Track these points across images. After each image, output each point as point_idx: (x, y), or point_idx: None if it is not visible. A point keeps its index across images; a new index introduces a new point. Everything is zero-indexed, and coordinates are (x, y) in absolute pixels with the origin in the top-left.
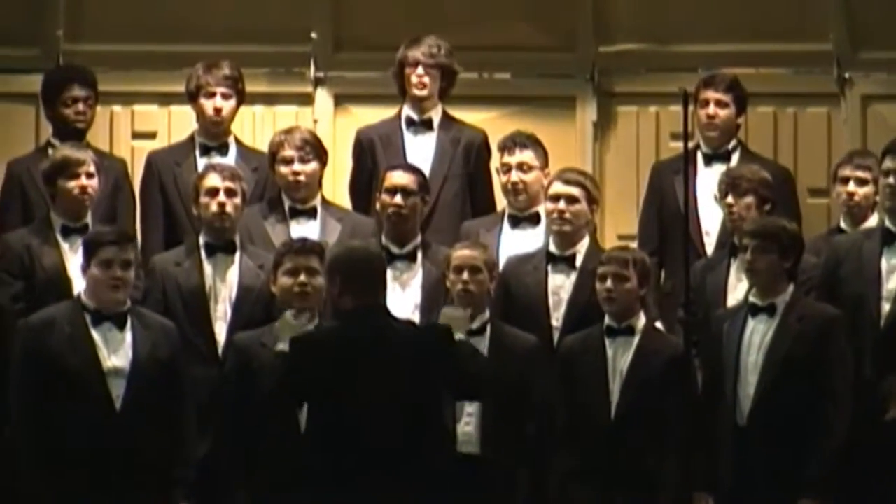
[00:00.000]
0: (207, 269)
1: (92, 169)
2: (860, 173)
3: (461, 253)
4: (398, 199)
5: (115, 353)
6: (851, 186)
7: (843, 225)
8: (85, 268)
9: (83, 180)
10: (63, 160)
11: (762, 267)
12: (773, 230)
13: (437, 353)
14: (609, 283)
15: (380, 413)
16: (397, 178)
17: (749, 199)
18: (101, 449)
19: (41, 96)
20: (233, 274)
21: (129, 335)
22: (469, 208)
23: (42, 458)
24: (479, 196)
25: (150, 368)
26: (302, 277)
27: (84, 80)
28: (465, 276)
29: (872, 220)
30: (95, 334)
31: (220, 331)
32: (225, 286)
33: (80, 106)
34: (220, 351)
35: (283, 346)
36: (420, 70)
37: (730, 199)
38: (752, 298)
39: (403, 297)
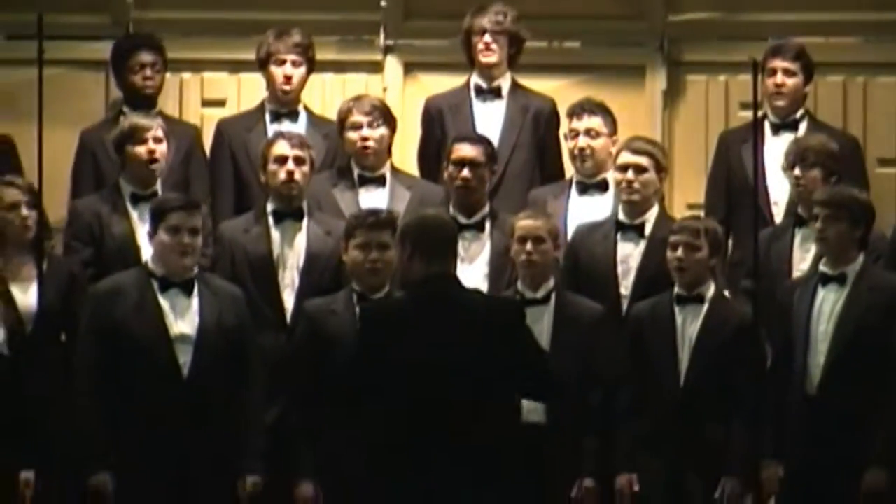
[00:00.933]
0: (275, 235)
1: (160, 134)
2: None
3: (524, 223)
4: (465, 171)
5: (183, 319)
6: None
7: None
8: (152, 234)
9: (151, 144)
10: (131, 127)
11: (833, 236)
12: (845, 199)
13: (507, 329)
14: (680, 251)
15: (448, 381)
16: (465, 150)
17: (816, 171)
18: (168, 415)
19: (111, 65)
20: (300, 241)
21: (196, 302)
22: (538, 177)
23: (109, 425)
24: (548, 164)
25: (218, 335)
26: (374, 254)
27: (151, 46)
28: (529, 246)
29: None
30: (163, 301)
31: (288, 298)
32: (293, 253)
33: (148, 71)
34: (288, 318)
35: None
36: (487, 38)
37: (797, 171)
38: (822, 267)
39: (472, 267)
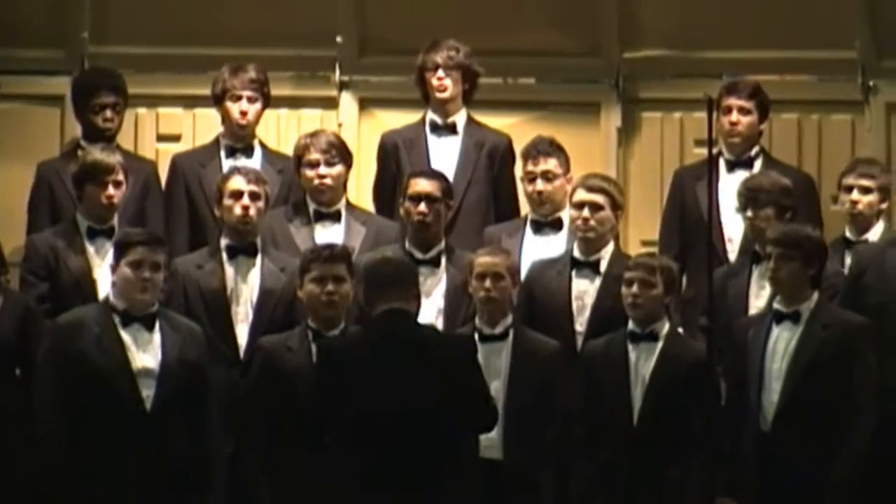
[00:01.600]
0: (229, 271)
1: (120, 177)
2: (864, 182)
3: (483, 259)
4: (422, 206)
5: (145, 353)
6: (855, 195)
7: (847, 234)
8: (115, 268)
9: (110, 190)
10: (92, 165)
11: (785, 275)
12: (796, 238)
13: (462, 366)
14: (635, 288)
15: (404, 417)
16: (421, 185)
17: (769, 210)
18: (131, 449)
19: (72, 101)
20: (254, 276)
21: (157, 336)
22: (492, 213)
23: (69, 459)
24: (502, 200)
25: (180, 369)
26: (329, 286)
27: (113, 87)
28: (488, 283)
29: (877, 229)
30: (125, 335)
31: (242, 333)
32: (247, 288)
33: (108, 112)
34: (241, 353)
35: None
36: (440, 73)
37: (749, 212)
38: (776, 305)
39: (427, 302)
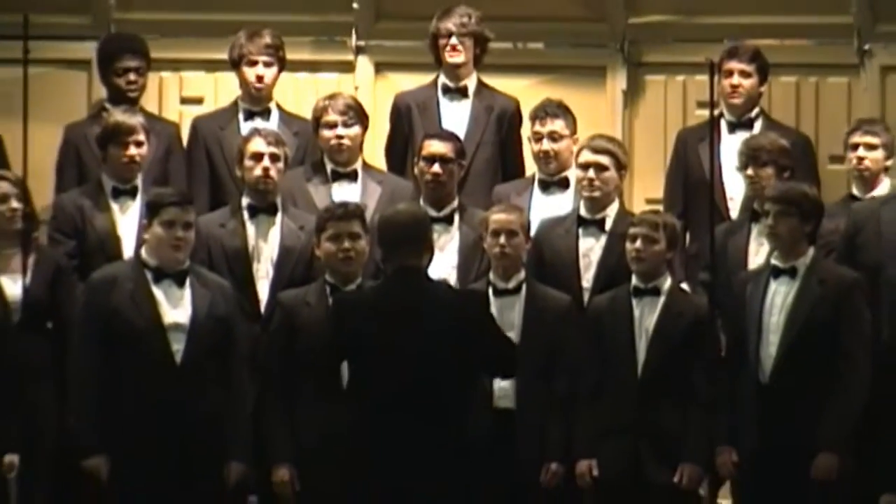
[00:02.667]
0: (250, 229)
1: (141, 137)
2: (869, 138)
3: (498, 217)
4: (436, 167)
5: (176, 309)
6: (861, 152)
7: (854, 191)
8: (146, 227)
9: (132, 150)
10: (114, 126)
11: (783, 231)
12: (794, 195)
13: (473, 321)
14: (639, 243)
15: (416, 370)
16: (435, 146)
17: (769, 169)
18: (162, 401)
19: (97, 65)
20: (274, 234)
21: (188, 292)
22: (500, 173)
23: (103, 409)
24: (510, 161)
25: (209, 324)
26: (346, 243)
27: (136, 50)
28: (503, 239)
29: (884, 185)
30: (157, 291)
31: (263, 289)
32: (267, 246)
33: (132, 75)
34: (262, 308)
35: None
36: (453, 39)
37: (750, 170)
38: (773, 261)
39: (441, 259)
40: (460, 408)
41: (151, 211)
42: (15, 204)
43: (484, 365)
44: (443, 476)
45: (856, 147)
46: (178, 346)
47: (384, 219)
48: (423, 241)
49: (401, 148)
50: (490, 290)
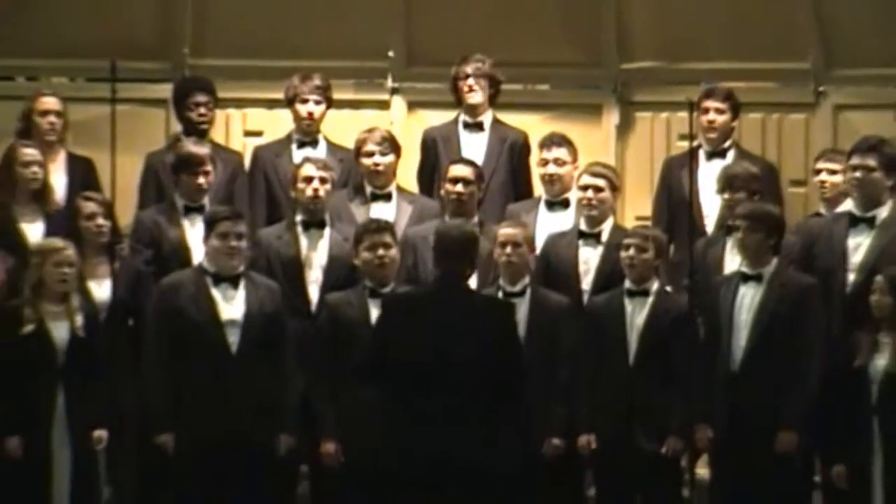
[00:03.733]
0: (303, 241)
1: (208, 167)
2: (831, 165)
3: (505, 231)
4: (459, 187)
5: (231, 307)
6: (824, 176)
7: (821, 209)
8: (206, 239)
9: (200, 179)
10: (186, 157)
11: (752, 243)
12: (761, 214)
13: (500, 329)
14: (632, 252)
15: (451, 362)
16: (459, 170)
17: (741, 193)
18: (220, 386)
19: (172, 102)
20: (323, 245)
21: (242, 293)
22: (513, 194)
23: (171, 393)
24: (521, 184)
25: (259, 320)
26: (380, 251)
27: (205, 89)
28: (509, 249)
29: (846, 204)
30: (215, 292)
31: (314, 292)
32: (317, 255)
33: (202, 109)
34: (312, 308)
35: None
36: (470, 81)
37: (726, 194)
38: (743, 268)
39: None
40: (485, 394)
41: (208, 225)
42: (101, 221)
43: (494, 372)
44: (476, 455)
45: (819, 172)
46: (233, 338)
47: (440, 230)
48: (469, 255)
49: (429, 174)
50: (500, 293)
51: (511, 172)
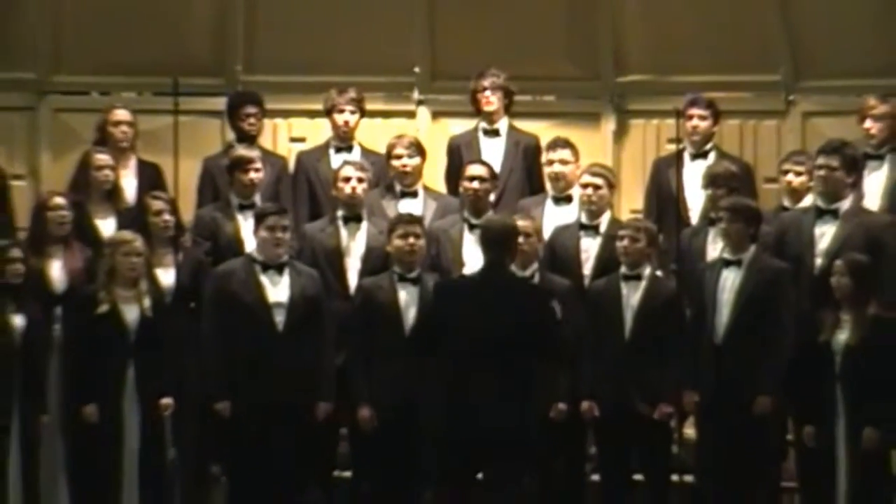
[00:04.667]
0: (343, 233)
1: (259, 165)
2: (796, 167)
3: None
4: (475, 184)
5: (277, 291)
6: (790, 176)
7: (785, 203)
8: (255, 231)
9: (251, 175)
10: (238, 158)
11: (733, 232)
12: (741, 206)
13: (538, 307)
14: (626, 242)
15: (494, 339)
16: (475, 169)
17: (723, 189)
18: (269, 360)
19: (226, 113)
20: (361, 237)
21: (286, 279)
22: (528, 191)
23: (227, 367)
24: (534, 182)
25: (302, 302)
26: (410, 240)
27: (254, 101)
28: (521, 239)
29: (807, 199)
30: (263, 278)
31: (352, 277)
32: (355, 245)
33: (252, 119)
34: (351, 292)
35: None
36: (487, 93)
37: (710, 191)
38: (725, 255)
39: (477, 254)
40: (523, 367)
41: (258, 219)
42: (167, 217)
43: (537, 348)
44: (512, 418)
45: (787, 172)
46: (279, 318)
47: (485, 223)
48: (510, 244)
49: (455, 175)
50: None
51: (526, 172)
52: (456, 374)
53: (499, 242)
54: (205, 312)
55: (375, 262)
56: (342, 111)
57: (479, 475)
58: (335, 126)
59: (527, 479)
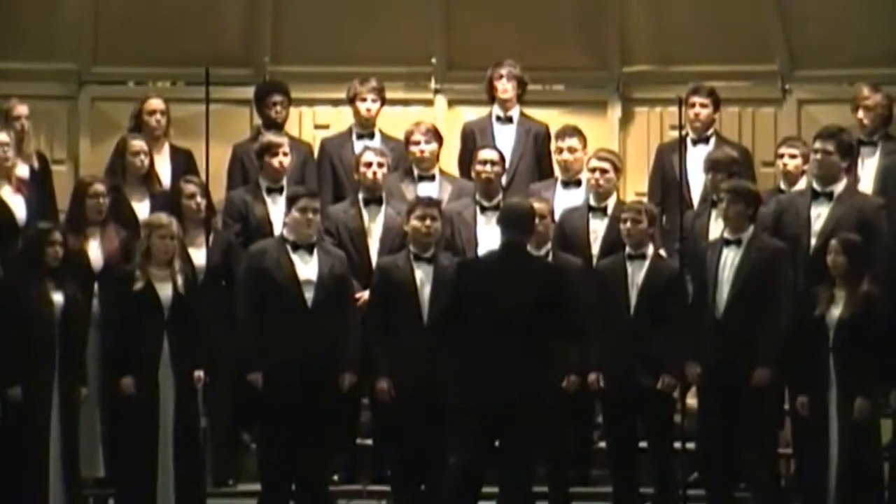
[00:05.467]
0: (365, 215)
1: (287, 149)
2: (791, 150)
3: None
4: (487, 168)
5: (307, 269)
6: (786, 160)
7: (781, 185)
8: (287, 213)
9: (280, 157)
10: (268, 143)
11: (733, 213)
12: (741, 188)
13: (554, 285)
14: (629, 224)
15: (513, 314)
16: (486, 154)
17: (723, 174)
18: (299, 333)
19: (254, 101)
20: (381, 218)
21: (315, 258)
22: (537, 175)
23: (259, 340)
24: (544, 168)
25: (330, 280)
26: (427, 222)
27: (280, 90)
28: (536, 220)
29: (802, 182)
30: (294, 257)
31: (374, 255)
32: (376, 226)
33: (278, 108)
34: (373, 269)
35: None
36: (504, 81)
37: (710, 175)
38: (725, 235)
39: (492, 235)
40: (541, 340)
41: (290, 202)
42: (200, 199)
43: (558, 324)
44: (530, 388)
45: (782, 156)
46: (309, 295)
47: (504, 206)
48: (527, 224)
49: (468, 160)
50: None
51: (536, 157)
52: (478, 347)
53: (518, 223)
54: (238, 289)
55: (394, 241)
56: (364, 100)
57: (497, 443)
58: (357, 114)
59: (544, 448)
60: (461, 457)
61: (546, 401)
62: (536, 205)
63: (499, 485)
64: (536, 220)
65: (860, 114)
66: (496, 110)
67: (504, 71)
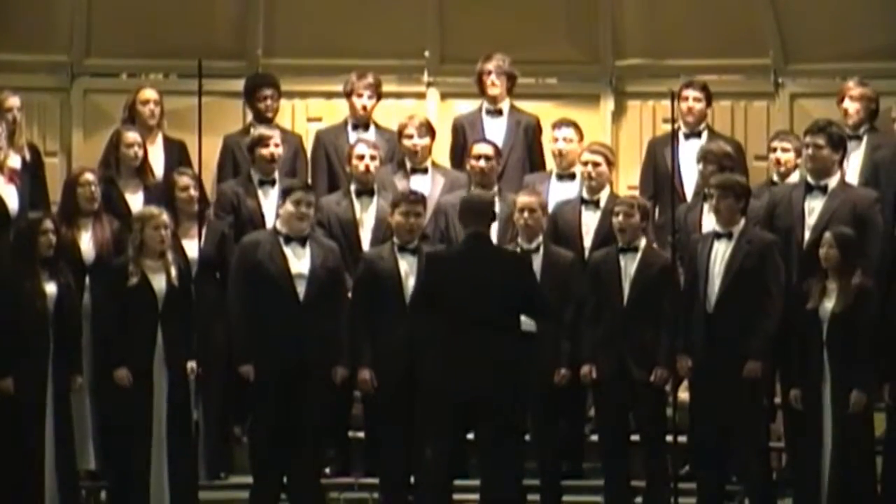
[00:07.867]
0: (356, 206)
1: (278, 141)
2: (784, 144)
3: (523, 198)
4: (481, 162)
5: (299, 263)
6: (778, 153)
7: (774, 178)
8: (281, 205)
9: (272, 149)
10: (259, 135)
11: (724, 207)
12: (731, 182)
13: (522, 274)
14: (621, 217)
15: (481, 303)
16: (481, 148)
17: (715, 167)
18: (290, 327)
19: (244, 95)
20: (372, 209)
21: (308, 251)
22: (528, 167)
23: (251, 333)
24: (534, 160)
25: (322, 273)
26: (412, 219)
27: (270, 84)
28: (526, 214)
29: (795, 175)
30: (286, 250)
31: (366, 247)
32: (368, 217)
33: (268, 101)
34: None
35: None
36: (492, 76)
37: (701, 167)
38: (716, 228)
39: None
40: (509, 330)
41: (284, 194)
42: (193, 192)
43: (528, 310)
44: (501, 376)
45: (775, 150)
46: (301, 288)
47: (465, 199)
48: (489, 215)
49: (459, 153)
50: (518, 250)
51: (526, 150)
52: (449, 336)
53: (479, 215)
54: (231, 281)
55: (386, 233)
56: (360, 96)
57: (470, 435)
58: (353, 108)
59: (517, 437)
60: (435, 448)
61: (515, 391)
62: (528, 198)
63: (480, 478)
64: (526, 214)
65: (846, 104)
66: (486, 104)
67: (492, 66)
